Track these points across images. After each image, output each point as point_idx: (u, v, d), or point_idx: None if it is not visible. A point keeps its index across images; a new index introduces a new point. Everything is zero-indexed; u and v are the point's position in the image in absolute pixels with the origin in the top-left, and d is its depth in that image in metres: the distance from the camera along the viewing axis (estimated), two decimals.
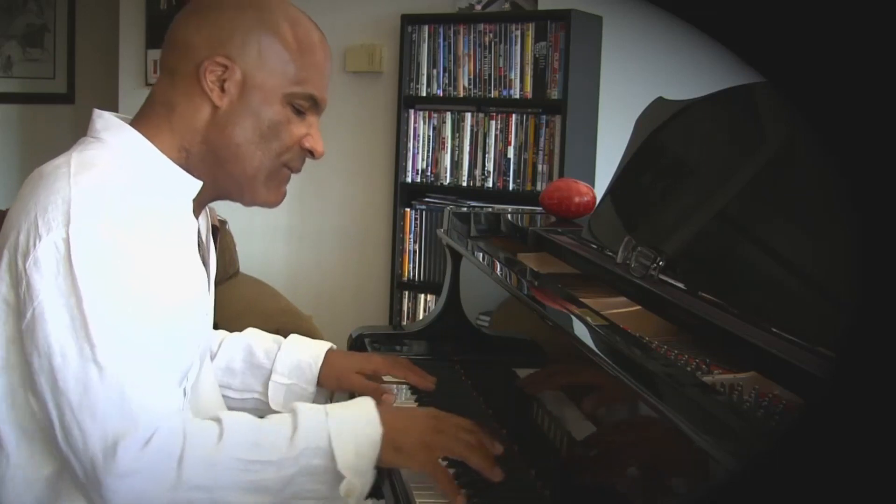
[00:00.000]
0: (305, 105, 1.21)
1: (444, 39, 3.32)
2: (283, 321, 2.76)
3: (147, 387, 1.05)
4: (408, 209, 3.44)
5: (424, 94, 3.37)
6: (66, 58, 4.71)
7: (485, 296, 1.64)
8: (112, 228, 1.06)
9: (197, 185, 1.20)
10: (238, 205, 1.28)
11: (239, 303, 2.92)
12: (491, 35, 3.23)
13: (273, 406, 1.45)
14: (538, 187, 3.15)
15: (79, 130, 1.27)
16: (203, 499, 1.05)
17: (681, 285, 1.21)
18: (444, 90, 3.34)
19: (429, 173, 3.40)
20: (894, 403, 0.60)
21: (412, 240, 3.45)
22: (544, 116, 3.16)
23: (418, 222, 3.44)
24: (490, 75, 3.24)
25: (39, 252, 1.04)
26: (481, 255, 1.66)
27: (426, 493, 1.17)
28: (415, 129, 3.40)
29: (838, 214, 0.99)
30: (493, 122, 3.26)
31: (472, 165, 3.31)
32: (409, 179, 3.43)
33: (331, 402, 1.52)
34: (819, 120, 0.67)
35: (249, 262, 3.44)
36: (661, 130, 1.51)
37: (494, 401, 1.49)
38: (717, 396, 0.96)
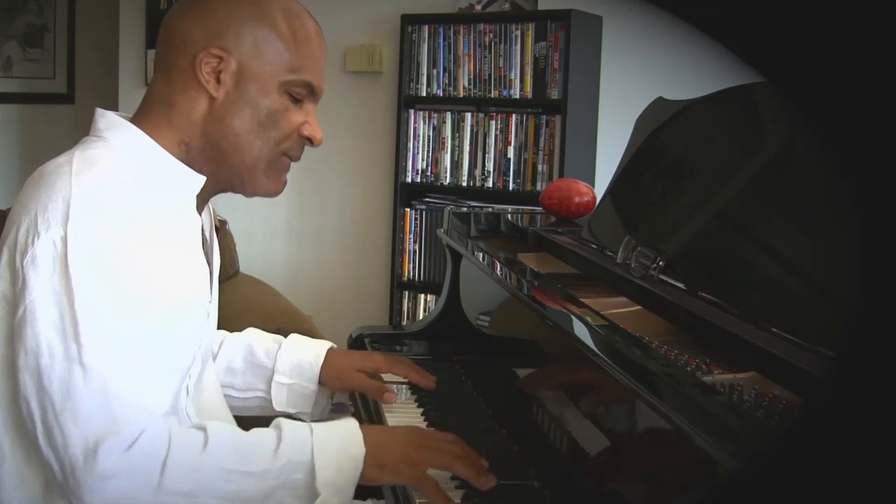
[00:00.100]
0: (302, 93, 1.22)
1: (444, 39, 3.32)
2: (283, 321, 2.75)
3: (134, 390, 1.05)
4: (408, 209, 3.44)
5: (424, 94, 3.37)
6: (66, 58, 4.71)
7: (485, 296, 1.64)
8: (111, 228, 1.06)
9: (200, 180, 1.20)
10: (238, 205, 1.28)
11: (239, 303, 2.92)
12: (491, 35, 3.23)
13: (276, 406, 1.45)
14: (538, 187, 3.15)
15: (79, 130, 1.27)
16: None
17: (681, 285, 1.20)
18: (444, 90, 3.34)
19: (429, 173, 3.40)
20: (894, 403, 0.59)
21: (412, 240, 3.45)
22: (544, 116, 3.16)
23: (418, 222, 3.44)
24: (490, 75, 3.24)
25: (37, 249, 1.04)
26: (481, 255, 1.66)
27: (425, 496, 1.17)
28: (415, 129, 3.40)
29: (838, 214, 0.99)
30: (493, 122, 3.26)
31: (472, 165, 3.31)
32: (409, 179, 3.43)
33: (331, 400, 1.52)
34: (819, 120, 0.67)
35: (249, 262, 3.43)
36: (661, 130, 1.51)
37: (494, 401, 1.49)
38: (717, 396, 0.96)
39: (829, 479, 0.60)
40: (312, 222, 3.76)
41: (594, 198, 1.80)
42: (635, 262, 1.28)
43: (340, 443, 1.13)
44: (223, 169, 1.21)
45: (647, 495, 1.01)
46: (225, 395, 1.43)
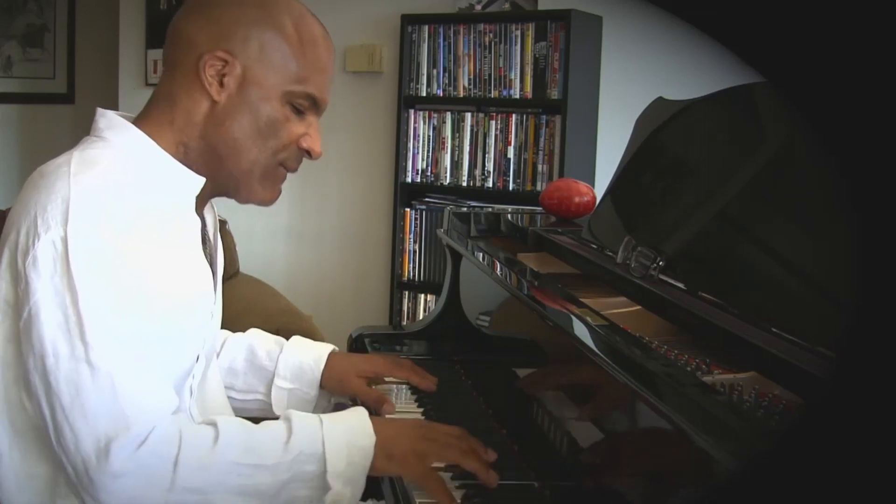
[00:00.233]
0: (305, 104, 1.21)
1: (444, 39, 3.32)
2: (283, 321, 2.76)
3: (142, 387, 1.05)
4: (408, 209, 3.44)
5: (424, 94, 3.37)
6: (66, 58, 4.71)
7: (485, 296, 1.64)
8: (111, 228, 1.06)
9: (200, 181, 1.19)
10: (238, 205, 1.28)
11: (239, 303, 2.92)
12: (491, 35, 3.23)
13: (276, 410, 1.44)
14: (538, 187, 3.15)
15: (79, 130, 1.27)
16: (197, 501, 1.05)
17: (681, 285, 1.20)
18: (444, 90, 3.34)
19: (429, 173, 3.40)
20: (894, 403, 0.59)
21: (412, 240, 3.45)
22: (544, 116, 3.16)
23: (418, 222, 3.44)
24: (490, 75, 3.24)
25: (38, 250, 1.04)
26: (481, 255, 1.66)
27: (426, 493, 1.17)
28: (415, 129, 3.40)
29: (838, 214, 0.99)
30: (493, 122, 3.26)
31: (472, 165, 3.31)
32: (409, 179, 3.43)
33: (332, 402, 1.52)
34: (819, 120, 0.67)
35: (249, 262, 3.44)
36: (661, 130, 1.51)
37: (494, 401, 1.49)
38: (717, 396, 0.96)
39: (829, 479, 0.60)
40: (312, 222, 3.76)
41: (594, 198, 1.80)
42: (635, 262, 1.28)
43: (350, 434, 1.13)
44: (219, 173, 1.21)
45: (647, 495, 1.01)
46: (227, 396, 1.43)
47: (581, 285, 1.43)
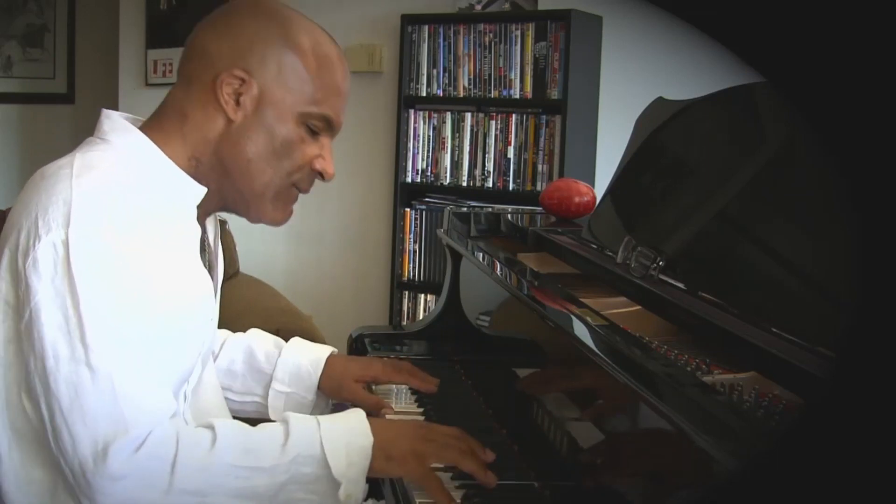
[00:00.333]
0: (320, 126, 1.21)
1: (444, 39, 3.32)
2: (283, 321, 2.76)
3: (141, 391, 1.05)
4: (408, 209, 3.44)
5: (424, 94, 3.37)
6: (66, 58, 4.71)
7: (485, 296, 1.64)
8: (112, 231, 1.06)
9: (201, 191, 1.19)
10: None
11: (239, 303, 2.92)
12: (491, 35, 3.23)
13: (272, 415, 1.44)
14: (538, 187, 3.15)
15: (79, 130, 1.27)
16: (195, 503, 1.05)
17: (681, 285, 1.20)
18: (444, 90, 3.34)
19: (429, 173, 3.40)
20: (894, 403, 0.59)
21: (412, 240, 3.45)
22: (544, 116, 3.16)
23: (418, 222, 3.44)
24: (490, 75, 3.24)
25: (38, 252, 1.04)
26: (481, 255, 1.66)
27: (427, 493, 1.17)
28: (415, 129, 3.40)
29: (838, 214, 0.99)
30: (493, 122, 3.26)
31: (472, 165, 3.31)
32: (409, 179, 3.43)
33: (330, 407, 1.52)
34: (819, 120, 0.67)
35: (249, 262, 3.44)
36: (661, 130, 1.51)
37: (494, 401, 1.49)
38: (717, 396, 0.96)
39: (829, 479, 0.60)
40: (312, 222, 3.76)
41: (594, 198, 1.80)
42: (635, 262, 1.28)
43: (349, 435, 1.13)
44: (230, 191, 1.20)
45: (647, 495, 1.01)
46: (224, 398, 1.43)
47: (581, 285, 1.43)
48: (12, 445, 1.10)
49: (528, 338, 1.44)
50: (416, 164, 3.42)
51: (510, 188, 3.24)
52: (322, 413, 1.47)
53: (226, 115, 1.16)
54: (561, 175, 3.09)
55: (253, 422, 1.16)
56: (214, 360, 1.45)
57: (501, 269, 1.55)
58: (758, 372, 1.02)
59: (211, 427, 1.09)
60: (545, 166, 3.16)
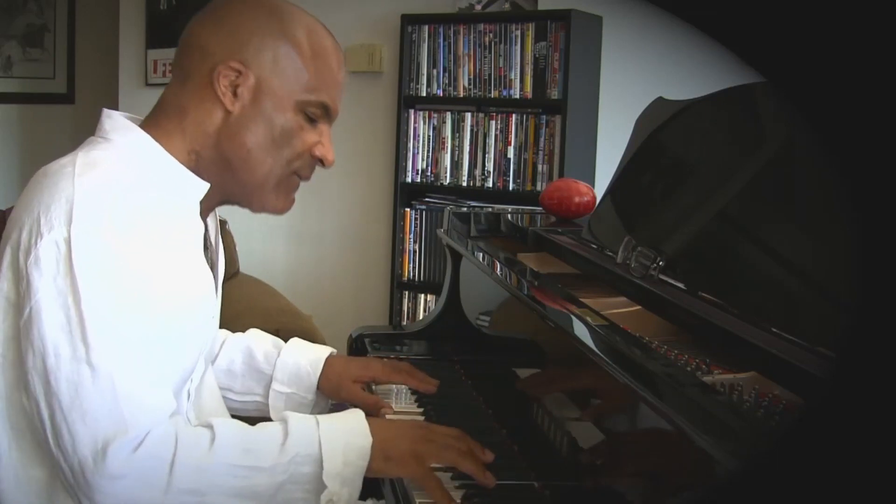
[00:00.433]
0: (318, 113, 1.21)
1: (444, 39, 3.32)
2: (283, 321, 2.76)
3: (141, 390, 1.05)
4: (408, 209, 3.44)
5: (424, 94, 3.37)
6: (66, 58, 4.71)
7: (485, 296, 1.64)
8: (114, 229, 1.06)
9: (204, 186, 1.19)
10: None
11: (239, 303, 2.92)
12: (491, 35, 3.23)
13: (273, 415, 1.44)
14: (538, 187, 3.15)
15: (79, 130, 1.27)
16: (194, 503, 1.05)
17: (681, 285, 1.20)
18: (444, 90, 3.34)
19: (429, 173, 3.40)
20: (894, 403, 0.60)
21: (412, 240, 3.45)
22: (544, 116, 3.16)
23: (418, 222, 3.44)
24: (490, 75, 3.24)
25: (40, 250, 1.04)
26: (481, 255, 1.66)
27: (427, 493, 1.17)
28: (415, 129, 3.40)
29: (838, 214, 0.99)
30: (493, 122, 3.26)
31: (472, 165, 3.31)
32: (409, 179, 3.43)
33: (329, 407, 1.52)
34: (819, 120, 0.67)
35: (249, 262, 3.43)
36: (661, 130, 1.51)
37: (494, 401, 1.49)
38: (717, 396, 0.96)
39: (829, 479, 0.60)
40: (312, 222, 3.76)
41: (594, 198, 1.80)
42: (635, 262, 1.28)
43: (347, 434, 1.13)
44: (231, 182, 1.21)
45: (648, 495, 1.01)
46: (224, 397, 1.43)
47: (581, 285, 1.43)
48: (11, 444, 1.10)
49: (528, 338, 1.44)
50: (416, 164, 3.42)
51: (510, 188, 3.24)
52: (321, 409, 1.48)
53: (224, 107, 1.17)
54: (561, 175, 3.09)
55: (253, 421, 1.16)
56: (214, 361, 1.45)
57: (501, 269, 1.55)
58: (758, 372, 1.02)
59: (210, 426, 1.09)
60: (545, 166, 3.16)
